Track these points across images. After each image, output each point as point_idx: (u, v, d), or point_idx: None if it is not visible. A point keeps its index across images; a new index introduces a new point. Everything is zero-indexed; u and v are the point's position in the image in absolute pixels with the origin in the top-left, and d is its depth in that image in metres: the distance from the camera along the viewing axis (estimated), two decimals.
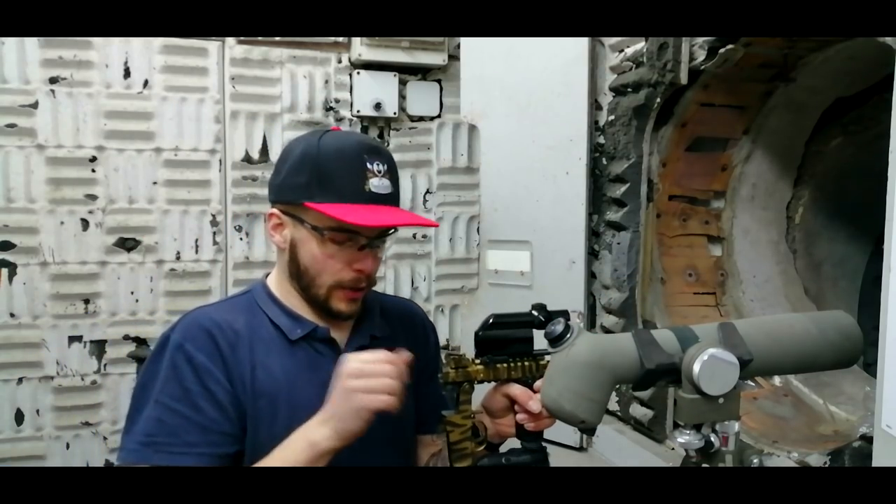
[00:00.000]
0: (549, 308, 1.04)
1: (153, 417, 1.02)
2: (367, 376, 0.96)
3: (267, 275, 1.19)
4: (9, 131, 1.78)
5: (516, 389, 1.06)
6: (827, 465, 1.31)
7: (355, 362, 0.96)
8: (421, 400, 1.18)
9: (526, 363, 1.07)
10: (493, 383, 1.10)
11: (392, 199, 1.09)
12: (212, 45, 1.93)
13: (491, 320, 1.07)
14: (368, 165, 1.06)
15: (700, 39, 1.61)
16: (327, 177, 1.05)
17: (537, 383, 1.05)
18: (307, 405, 1.04)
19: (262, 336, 1.10)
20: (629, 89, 1.82)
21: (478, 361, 1.06)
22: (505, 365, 1.06)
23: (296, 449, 0.97)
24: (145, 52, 1.88)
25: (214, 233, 1.97)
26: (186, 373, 1.03)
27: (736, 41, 1.54)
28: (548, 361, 1.05)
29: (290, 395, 1.07)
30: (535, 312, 1.05)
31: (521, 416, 1.06)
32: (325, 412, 0.98)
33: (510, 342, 1.07)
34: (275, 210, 1.11)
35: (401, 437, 1.18)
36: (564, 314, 1.05)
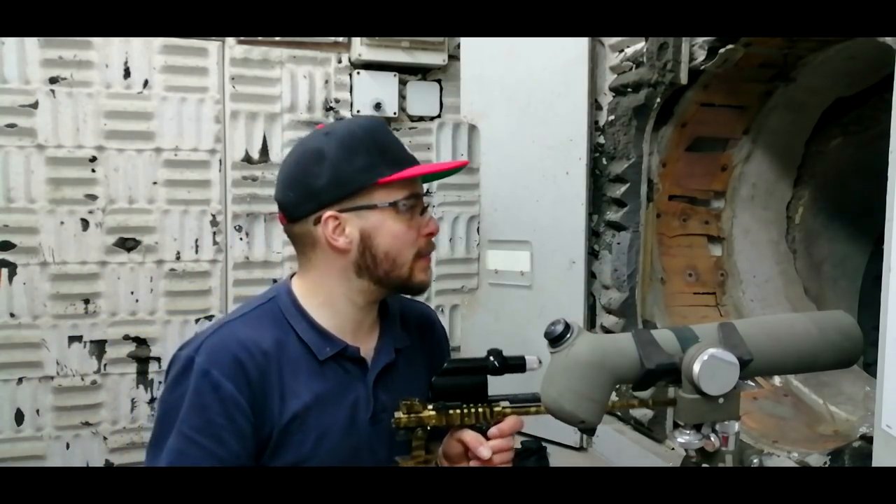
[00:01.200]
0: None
1: (175, 449, 0.98)
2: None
3: (291, 276, 1.15)
4: (9, 131, 1.78)
5: (468, 435, 1.05)
6: (827, 465, 1.31)
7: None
8: None
9: (479, 410, 1.06)
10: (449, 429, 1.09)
11: None
12: (212, 45, 1.93)
13: (445, 366, 1.07)
14: (395, 134, 1.12)
15: (700, 39, 1.61)
16: (387, 150, 1.07)
17: (491, 430, 1.05)
18: (336, 427, 1.04)
19: (291, 355, 1.06)
20: (629, 89, 1.82)
21: (431, 407, 1.05)
22: (458, 411, 1.05)
23: None
24: (145, 52, 1.87)
25: (214, 233, 1.97)
26: (212, 402, 0.98)
27: (736, 41, 1.54)
28: (503, 408, 1.07)
29: (319, 418, 1.05)
30: (491, 358, 1.07)
31: (473, 463, 1.05)
32: None
33: (465, 388, 1.07)
34: (331, 212, 1.06)
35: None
36: (520, 359, 1.08)
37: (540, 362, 1.09)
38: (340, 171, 1.05)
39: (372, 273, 1.08)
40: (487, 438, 1.04)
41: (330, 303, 1.10)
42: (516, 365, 1.08)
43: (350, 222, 1.06)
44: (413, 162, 1.10)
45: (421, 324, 1.26)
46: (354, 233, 1.06)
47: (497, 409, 1.06)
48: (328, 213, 1.05)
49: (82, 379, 1.88)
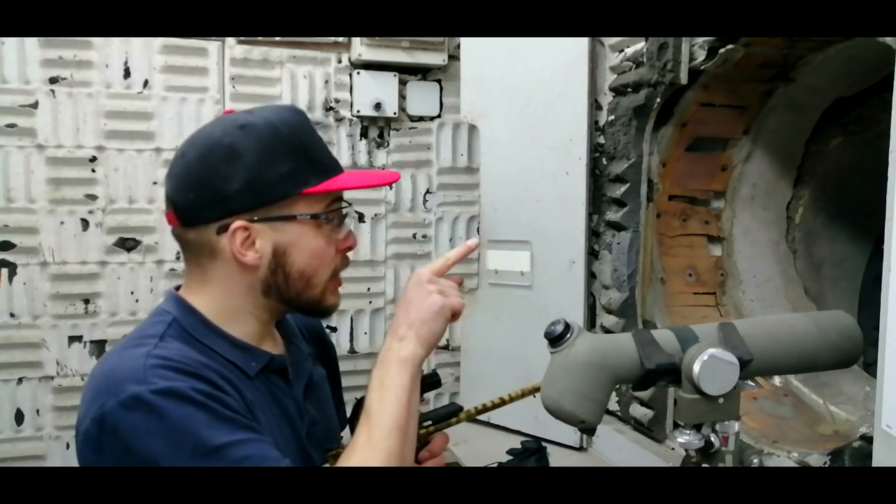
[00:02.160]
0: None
1: (234, 457, 0.80)
2: (440, 283, 0.92)
3: (175, 291, 0.98)
4: (9, 131, 1.78)
5: None
6: (827, 465, 1.31)
7: (426, 272, 0.93)
8: (339, 408, 1.15)
9: None
10: None
11: None
12: (212, 45, 1.93)
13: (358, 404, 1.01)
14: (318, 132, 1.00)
15: (700, 39, 1.61)
16: (313, 154, 0.94)
17: (422, 454, 1.01)
18: (285, 450, 0.91)
19: (227, 377, 0.91)
20: (629, 89, 1.82)
21: None
22: None
23: (393, 375, 0.88)
24: (145, 52, 1.88)
25: None
26: (217, 400, 0.83)
27: (736, 41, 1.54)
28: (426, 427, 1.02)
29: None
30: None
31: None
32: (402, 325, 0.90)
33: None
34: (241, 222, 0.90)
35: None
36: (434, 375, 1.05)
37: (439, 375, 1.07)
38: (259, 175, 0.90)
39: (282, 293, 0.95)
40: (419, 462, 1.00)
41: (234, 319, 0.96)
42: (434, 382, 1.05)
43: (262, 235, 0.91)
44: (338, 167, 0.98)
45: (313, 334, 1.18)
46: (266, 247, 0.92)
47: (422, 431, 1.01)
48: (238, 222, 0.90)
49: (82, 379, 1.88)
